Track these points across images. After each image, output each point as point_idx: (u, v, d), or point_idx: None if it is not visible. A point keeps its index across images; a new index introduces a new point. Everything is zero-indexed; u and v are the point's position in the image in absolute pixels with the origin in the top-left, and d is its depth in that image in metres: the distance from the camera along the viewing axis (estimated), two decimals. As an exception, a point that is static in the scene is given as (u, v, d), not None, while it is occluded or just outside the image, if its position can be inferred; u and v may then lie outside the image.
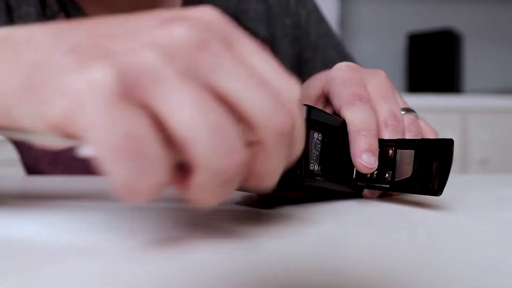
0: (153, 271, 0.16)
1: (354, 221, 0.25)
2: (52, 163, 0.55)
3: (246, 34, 0.19)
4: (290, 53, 0.57)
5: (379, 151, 0.30)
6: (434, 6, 1.96)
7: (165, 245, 0.19)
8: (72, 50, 0.17)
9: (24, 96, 0.18)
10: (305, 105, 0.28)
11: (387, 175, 0.30)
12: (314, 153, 0.29)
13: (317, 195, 0.31)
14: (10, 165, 1.04)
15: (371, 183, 0.31)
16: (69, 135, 0.17)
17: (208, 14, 0.18)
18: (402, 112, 0.33)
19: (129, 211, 0.26)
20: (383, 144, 0.30)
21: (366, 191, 0.32)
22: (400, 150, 0.30)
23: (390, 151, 0.30)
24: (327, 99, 0.35)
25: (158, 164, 0.16)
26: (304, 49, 0.58)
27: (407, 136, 0.32)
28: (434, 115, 1.51)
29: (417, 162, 0.28)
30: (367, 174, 0.31)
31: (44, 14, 0.47)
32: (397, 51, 1.96)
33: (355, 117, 0.30)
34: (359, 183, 0.31)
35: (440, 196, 0.27)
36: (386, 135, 0.31)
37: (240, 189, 0.23)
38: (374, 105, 0.32)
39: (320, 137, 0.29)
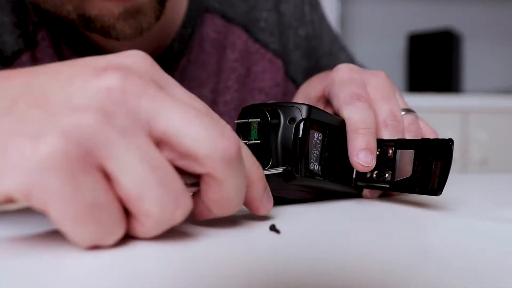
0: (152, 260, 0.16)
1: (354, 221, 0.25)
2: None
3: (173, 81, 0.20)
4: (302, 66, 0.54)
5: (379, 151, 0.30)
6: (434, 6, 1.96)
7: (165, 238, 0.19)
8: (13, 116, 0.17)
9: None
10: (305, 104, 0.28)
11: (387, 175, 0.30)
12: (314, 152, 0.29)
13: (317, 194, 0.31)
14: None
15: (371, 183, 0.31)
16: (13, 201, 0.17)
17: (138, 60, 0.19)
18: (402, 113, 0.33)
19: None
20: (383, 144, 0.30)
21: (366, 191, 0.32)
22: (400, 150, 0.30)
23: (390, 151, 0.30)
24: (327, 100, 0.35)
25: (119, 221, 0.17)
26: (320, 58, 0.56)
27: (407, 136, 0.32)
28: (434, 115, 1.51)
29: (417, 162, 0.28)
30: (367, 174, 0.31)
31: (20, 24, 0.43)
32: (397, 51, 1.96)
33: (353, 116, 0.30)
34: (359, 183, 0.31)
35: (440, 196, 0.27)
36: (386, 135, 0.31)
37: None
38: (374, 105, 0.32)
39: (320, 136, 0.29)
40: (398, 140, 0.30)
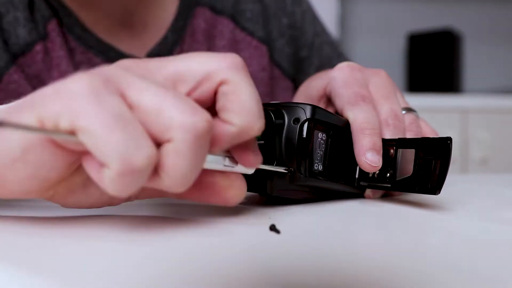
0: (148, 253, 0.16)
1: (355, 220, 0.26)
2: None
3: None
4: (287, 53, 0.58)
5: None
6: (434, 6, 1.96)
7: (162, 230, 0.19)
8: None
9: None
10: (309, 104, 0.28)
11: (388, 174, 0.30)
12: (318, 153, 0.29)
13: (320, 195, 0.31)
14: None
15: (374, 182, 0.31)
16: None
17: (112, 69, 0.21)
18: (403, 112, 0.33)
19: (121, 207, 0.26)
20: (385, 144, 0.31)
21: (368, 192, 0.32)
22: (401, 149, 0.30)
23: (392, 151, 0.30)
24: (329, 99, 0.35)
25: (146, 137, 0.18)
26: (300, 48, 0.59)
27: (408, 136, 0.32)
28: (434, 115, 1.51)
29: (417, 161, 0.29)
30: (369, 173, 0.31)
31: (33, 19, 0.46)
32: (397, 51, 1.96)
33: (358, 117, 0.30)
34: (361, 183, 0.31)
35: (440, 196, 0.27)
36: (388, 135, 0.31)
37: (155, 194, 0.25)
38: (376, 105, 0.32)
39: (324, 137, 0.29)
40: (399, 139, 0.30)
